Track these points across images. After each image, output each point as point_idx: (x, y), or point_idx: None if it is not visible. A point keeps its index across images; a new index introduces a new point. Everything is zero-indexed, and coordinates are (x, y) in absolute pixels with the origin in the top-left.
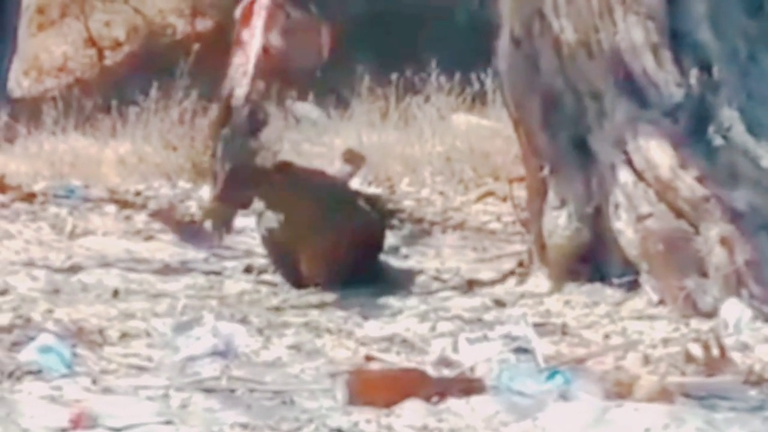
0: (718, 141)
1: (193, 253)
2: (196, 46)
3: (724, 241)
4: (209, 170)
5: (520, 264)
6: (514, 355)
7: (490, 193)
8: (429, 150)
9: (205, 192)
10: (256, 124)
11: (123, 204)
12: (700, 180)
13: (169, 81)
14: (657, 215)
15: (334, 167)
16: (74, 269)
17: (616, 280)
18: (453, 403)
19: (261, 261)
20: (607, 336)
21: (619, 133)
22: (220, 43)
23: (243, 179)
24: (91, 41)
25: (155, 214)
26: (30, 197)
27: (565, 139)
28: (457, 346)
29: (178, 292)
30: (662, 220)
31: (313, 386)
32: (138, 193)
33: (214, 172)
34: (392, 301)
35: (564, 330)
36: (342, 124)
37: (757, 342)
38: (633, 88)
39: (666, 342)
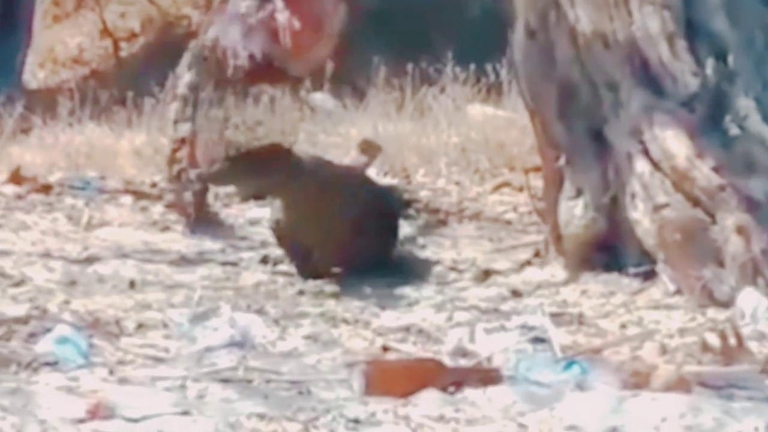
0: (734, 130)
1: (210, 244)
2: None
3: (740, 230)
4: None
5: (537, 254)
6: (531, 345)
7: (506, 184)
8: (444, 140)
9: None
10: None
11: (139, 195)
12: (716, 169)
13: None
14: (673, 205)
15: (350, 158)
16: (90, 260)
17: (632, 270)
18: (470, 393)
19: (277, 252)
20: (623, 326)
21: (635, 122)
22: None
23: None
24: (106, 32)
25: (172, 205)
26: (46, 188)
27: (581, 129)
28: (473, 336)
29: (195, 282)
30: (679, 210)
31: (329, 376)
32: (154, 185)
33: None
34: (409, 291)
35: (581, 320)
36: (358, 114)
37: None
38: (649, 77)
39: (683, 331)
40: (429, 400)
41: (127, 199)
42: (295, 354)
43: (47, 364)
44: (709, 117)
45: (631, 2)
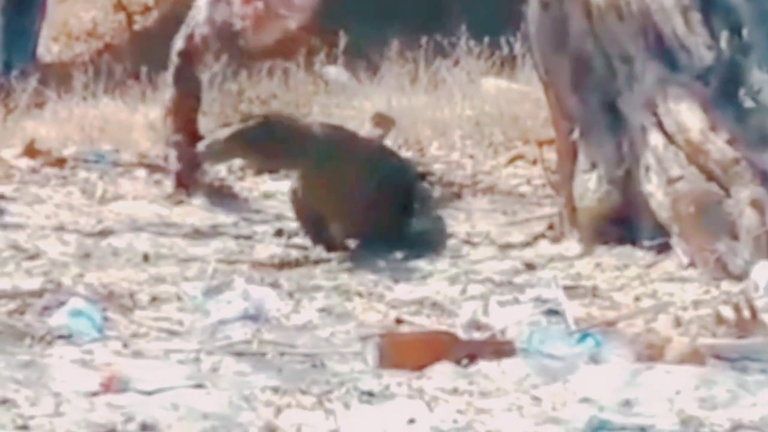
0: (748, 103)
1: (223, 218)
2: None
3: (754, 204)
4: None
5: (551, 227)
6: (545, 317)
7: (519, 157)
8: (458, 113)
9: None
10: None
11: (153, 168)
12: (730, 142)
13: None
14: (687, 178)
15: (364, 131)
16: (104, 233)
17: (646, 243)
18: (483, 365)
19: (291, 225)
20: (637, 298)
21: (649, 95)
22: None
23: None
24: (120, 6)
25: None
26: (60, 162)
27: (595, 102)
28: (487, 308)
29: (209, 256)
30: (693, 183)
31: (343, 349)
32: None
33: None
34: (422, 264)
35: (594, 292)
36: (371, 87)
37: None
38: (663, 50)
39: (697, 304)
40: (443, 373)
41: (141, 173)
42: (309, 327)
43: (61, 337)
44: (723, 90)
45: None
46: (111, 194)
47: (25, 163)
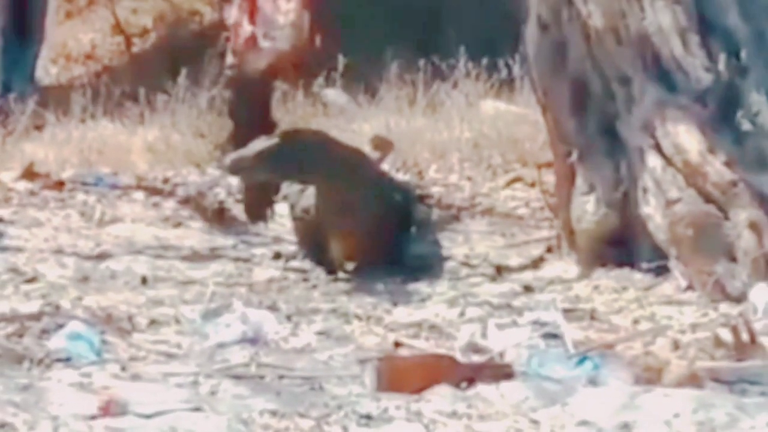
0: (746, 126)
1: (222, 240)
2: (224, 34)
3: (752, 226)
4: None
5: (549, 250)
6: (544, 340)
7: (518, 179)
8: (457, 136)
9: (234, 178)
10: None
11: (151, 191)
12: (728, 165)
13: (198, 68)
14: (686, 200)
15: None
16: (103, 256)
17: (644, 265)
18: (482, 388)
19: (290, 248)
20: (636, 321)
21: (647, 118)
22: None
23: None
24: (118, 28)
25: (184, 201)
26: (59, 185)
27: (594, 124)
28: (486, 331)
29: (207, 278)
30: (691, 205)
31: (342, 372)
32: (166, 181)
33: None
34: (421, 286)
35: (593, 315)
36: (370, 110)
37: None
38: (661, 72)
39: (695, 327)
40: (441, 396)
41: (140, 196)
42: (307, 350)
43: (60, 360)
44: (721, 112)
45: None
46: (109, 217)
47: (23, 185)
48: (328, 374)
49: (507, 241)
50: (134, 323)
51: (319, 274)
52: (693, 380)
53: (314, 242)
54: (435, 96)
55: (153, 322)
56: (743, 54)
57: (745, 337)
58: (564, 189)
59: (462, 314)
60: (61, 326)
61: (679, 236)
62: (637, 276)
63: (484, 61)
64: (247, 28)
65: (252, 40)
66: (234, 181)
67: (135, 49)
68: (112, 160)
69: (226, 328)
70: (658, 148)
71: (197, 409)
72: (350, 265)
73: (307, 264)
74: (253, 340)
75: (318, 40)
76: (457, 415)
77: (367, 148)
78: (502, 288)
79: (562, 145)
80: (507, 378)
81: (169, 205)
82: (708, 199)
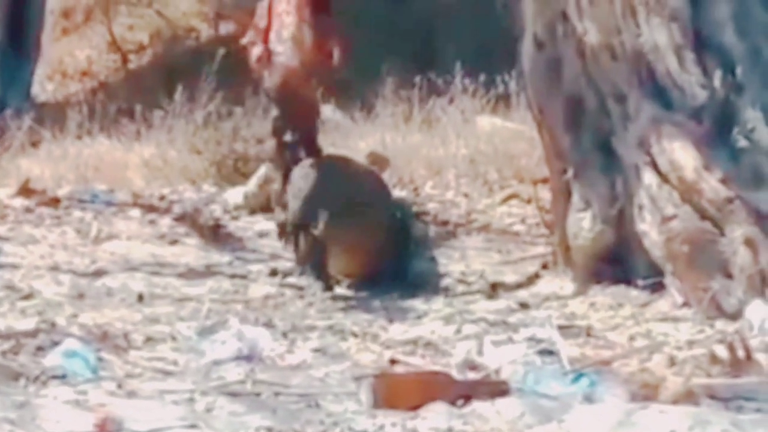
0: (742, 142)
1: (218, 257)
2: (220, 50)
3: (748, 243)
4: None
5: (545, 266)
6: (539, 357)
7: (514, 195)
8: (453, 152)
9: (230, 195)
10: None
11: (147, 208)
12: (724, 181)
13: (194, 84)
14: (681, 217)
15: None
16: (99, 273)
17: (640, 282)
18: (478, 405)
19: (286, 264)
20: (632, 338)
21: (642, 134)
22: (244, 47)
23: None
24: (115, 45)
25: (180, 218)
26: (54, 201)
27: (589, 141)
28: (482, 348)
29: (203, 296)
30: (686, 222)
31: (338, 389)
32: (162, 197)
33: None
34: (417, 303)
35: (589, 332)
36: (366, 126)
37: None
38: (657, 89)
39: (691, 344)
40: (437, 413)
41: (136, 212)
42: (303, 367)
43: (55, 377)
44: (716, 129)
45: (638, 14)
46: (105, 234)
47: (19, 202)
48: (324, 391)
49: (503, 257)
50: (130, 340)
51: (315, 291)
52: (689, 397)
53: (313, 258)
54: (431, 112)
55: (149, 339)
56: (739, 71)
57: (741, 353)
58: (560, 205)
59: (458, 331)
60: (56, 343)
61: (675, 253)
62: (633, 293)
63: (481, 77)
64: (259, 47)
65: (264, 57)
66: (230, 198)
67: (131, 66)
68: (109, 176)
69: (222, 345)
70: (653, 164)
71: (193, 427)
72: (349, 282)
73: (303, 281)
74: (249, 357)
75: (327, 53)
76: None
77: None
78: (498, 305)
79: (557, 162)
80: (503, 395)
81: (165, 222)
82: (704, 215)
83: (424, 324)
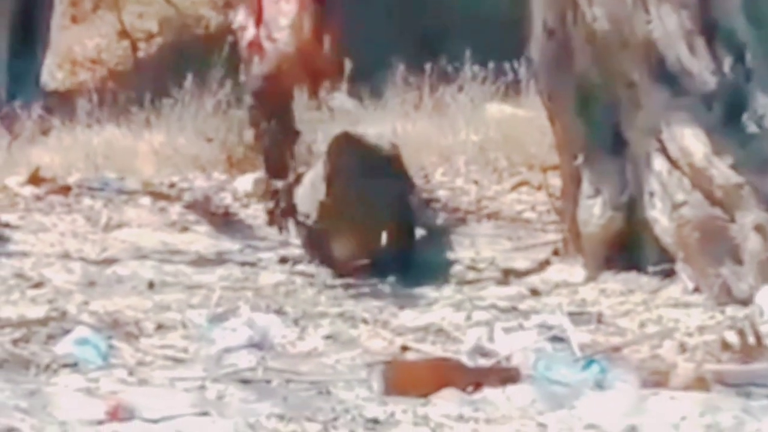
0: (752, 128)
1: (228, 245)
2: (230, 38)
3: (759, 228)
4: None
5: (555, 253)
6: (550, 344)
7: (524, 182)
8: (463, 139)
9: (240, 183)
10: None
11: (158, 196)
12: (734, 167)
13: (203, 72)
14: (692, 203)
15: None
16: (109, 261)
17: (651, 268)
18: (489, 392)
19: (296, 252)
20: (642, 324)
21: (653, 121)
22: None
23: None
24: (124, 33)
25: (190, 206)
26: (65, 190)
27: (599, 128)
28: (492, 335)
29: (214, 283)
30: (697, 208)
31: (348, 376)
32: (172, 185)
33: None
34: (427, 290)
35: (599, 318)
36: (376, 114)
37: None
38: (667, 76)
39: (702, 330)
40: (448, 400)
41: (146, 200)
42: (314, 354)
43: (66, 365)
44: (727, 115)
45: (649, 1)
46: (116, 222)
47: (29, 190)
48: (335, 378)
49: (513, 244)
50: (141, 328)
51: (325, 278)
52: (700, 383)
53: (318, 242)
54: (441, 99)
55: (160, 327)
56: (749, 57)
57: (751, 339)
58: (570, 192)
59: (468, 318)
60: (67, 331)
61: (686, 239)
62: (644, 279)
63: (491, 64)
64: (251, 31)
65: (256, 43)
66: (240, 185)
67: (141, 54)
68: (118, 164)
69: (233, 333)
70: (664, 151)
71: (204, 414)
72: (359, 262)
73: (313, 268)
74: (260, 344)
75: (325, 43)
76: (463, 418)
77: None
78: (508, 291)
79: (568, 149)
80: (513, 381)
81: (175, 209)
82: (714, 201)
83: (434, 311)
